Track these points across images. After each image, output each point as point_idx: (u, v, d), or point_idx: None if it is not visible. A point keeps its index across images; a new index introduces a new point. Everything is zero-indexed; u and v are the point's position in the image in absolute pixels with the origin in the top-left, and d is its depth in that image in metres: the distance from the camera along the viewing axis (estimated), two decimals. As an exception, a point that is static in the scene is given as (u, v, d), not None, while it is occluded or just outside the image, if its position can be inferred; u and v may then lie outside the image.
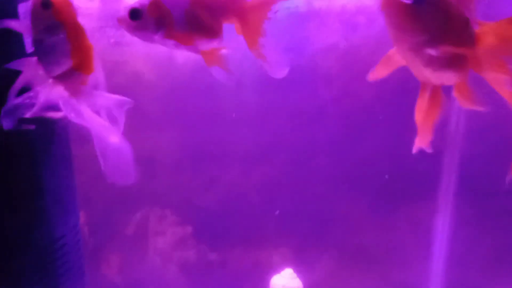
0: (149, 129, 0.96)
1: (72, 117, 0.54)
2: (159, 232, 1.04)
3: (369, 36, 0.89)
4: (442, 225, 1.02)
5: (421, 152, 0.96)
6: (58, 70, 0.55)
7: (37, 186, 0.60)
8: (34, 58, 0.55)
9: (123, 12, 0.53)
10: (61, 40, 0.54)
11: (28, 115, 0.56)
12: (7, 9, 0.54)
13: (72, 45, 0.55)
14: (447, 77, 0.54)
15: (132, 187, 0.96)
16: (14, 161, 0.58)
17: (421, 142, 0.61)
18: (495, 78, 0.52)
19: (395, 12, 0.48)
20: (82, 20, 0.71)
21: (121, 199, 0.98)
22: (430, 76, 0.54)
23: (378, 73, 0.57)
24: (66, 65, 0.55)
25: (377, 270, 1.04)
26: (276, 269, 1.03)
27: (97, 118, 0.56)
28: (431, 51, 0.50)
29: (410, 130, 0.94)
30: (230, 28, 0.54)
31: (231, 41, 0.55)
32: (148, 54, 0.77)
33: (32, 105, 0.54)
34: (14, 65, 0.54)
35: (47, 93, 0.55)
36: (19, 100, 0.55)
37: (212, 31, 0.56)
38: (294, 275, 1.02)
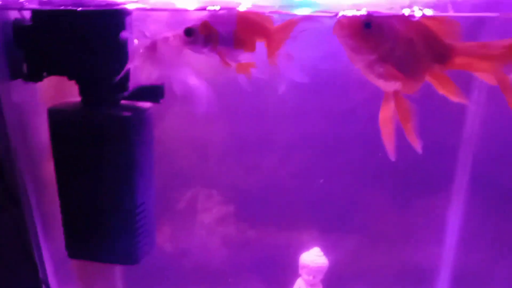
0: (203, 122, 1.04)
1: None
2: (205, 209, 1.13)
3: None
4: (455, 214, 1.08)
5: (440, 149, 1.06)
6: None
7: (128, 162, 0.70)
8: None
9: (180, 30, 0.68)
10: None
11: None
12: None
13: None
14: (403, 87, 0.64)
15: (185, 169, 1.09)
16: (112, 140, 0.69)
17: (389, 147, 0.70)
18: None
19: (348, 36, 0.58)
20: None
21: (176, 179, 1.08)
22: (386, 86, 0.64)
23: (388, 141, 0.68)
24: None
25: (394, 251, 1.11)
26: (305, 247, 1.10)
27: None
28: (379, 69, 0.60)
29: (428, 128, 1.04)
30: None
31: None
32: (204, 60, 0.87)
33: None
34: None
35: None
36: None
37: (247, 48, 0.70)
38: (321, 253, 1.08)
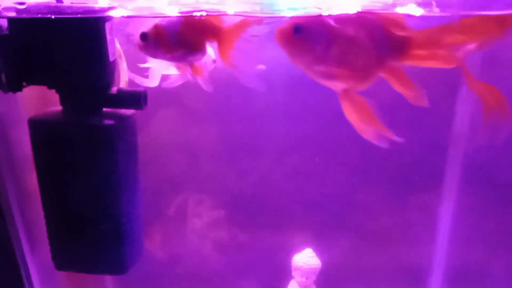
0: (193, 125, 1.05)
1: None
2: (196, 214, 1.13)
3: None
4: (446, 211, 1.09)
5: (430, 146, 1.06)
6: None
7: (112, 171, 0.69)
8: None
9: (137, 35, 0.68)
10: None
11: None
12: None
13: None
14: (354, 84, 0.65)
15: (175, 175, 1.08)
16: (95, 149, 0.68)
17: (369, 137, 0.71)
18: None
19: (284, 42, 0.61)
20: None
21: (165, 185, 1.08)
22: (333, 85, 0.65)
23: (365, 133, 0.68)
24: None
25: (388, 250, 1.12)
26: (297, 248, 1.11)
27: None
28: (319, 69, 0.62)
29: (417, 129, 1.03)
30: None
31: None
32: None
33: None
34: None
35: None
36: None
37: (196, 49, 0.70)
38: (314, 254, 1.09)
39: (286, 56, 0.64)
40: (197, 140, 1.07)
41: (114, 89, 0.69)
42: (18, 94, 0.69)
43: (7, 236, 0.72)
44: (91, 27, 0.63)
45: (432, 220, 1.10)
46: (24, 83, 0.67)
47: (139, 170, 0.76)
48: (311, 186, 1.11)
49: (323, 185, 1.10)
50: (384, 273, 1.12)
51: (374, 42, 0.62)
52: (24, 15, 0.60)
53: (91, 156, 0.68)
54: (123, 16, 0.67)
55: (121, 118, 0.69)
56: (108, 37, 0.65)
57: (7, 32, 0.64)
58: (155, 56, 0.73)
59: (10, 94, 0.68)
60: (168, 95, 1.00)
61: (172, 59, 0.73)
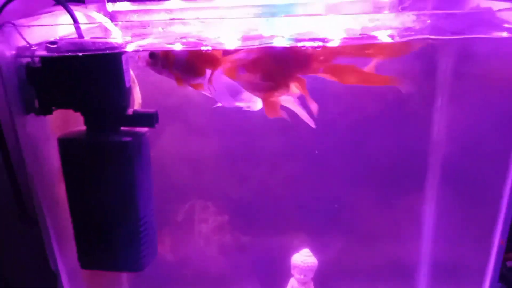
0: (196, 139, 1.12)
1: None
2: (202, 220, 1.19)
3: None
4: (429, 210, 1.16)
5: (412, 152, 1.14)
6: None
7: (130, 181, 0.79)
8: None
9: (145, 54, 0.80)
10: None
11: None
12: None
13: None
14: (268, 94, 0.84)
15: (181, 184, 1.16)
16: (115, 163, 0.78)
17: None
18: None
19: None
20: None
21: (173, 193, 1.14)
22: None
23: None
24: None
25: (378, 248, 1.18)
26: (296, 249, 1.17)
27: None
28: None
29: (404, 136, 1.11)
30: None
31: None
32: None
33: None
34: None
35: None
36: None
37: (198, 73, 0.83)
38: (310, 253, 1.15)
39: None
40: (199, 153, 1.14)
41: (130, 111, 0.80)
42: (47, 116, 0.80)
43: (41, 241, 0.82)
44: (111, 60, 0.74)
45: (417, 219, 1.16)
46: (53, 107, 0.79)
47: (152, 181, 0.87)
48: (305, 191, 1.17)
49: (316, 190, 1.16)
50: (374, 268, 1.18)
51: (283, 63, 0.79)
52: (55, 54, 0.71)
53: (112, 168, 0.78)
54: (135, 50, 0.78)
55: (136, 135, 0.79)
56: (124, 67, 0.76)
57: (39, 65, 0.75)
58: (160, 73, 0.84)
59: (41, 117, 0.79)
60: (172, 113, 1.10)
61: (175, 78, 0.85)
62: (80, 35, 0.78)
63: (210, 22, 0.77)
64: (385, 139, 1.11)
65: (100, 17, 0.90)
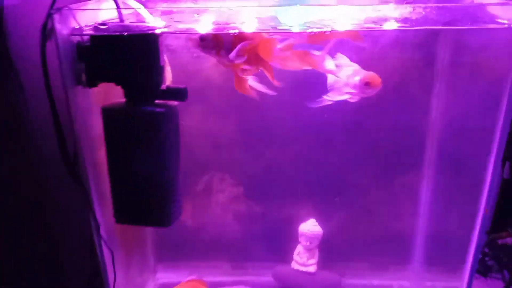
0: (217, 118, 1.22)
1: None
2: (219, 190, 1.29)
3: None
4: (426, 187, 1.24)
5: (411, 133, 1.23)
6: None
7: (162, 146, 0.89)
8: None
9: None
10: None
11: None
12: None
13: None
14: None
15: (202, 157, 1.27)
16: (150, 130, 0.88)
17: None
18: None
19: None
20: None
21: (195, 165, 1.24)
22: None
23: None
24: None
25: (377, 221, 1.28)
26: (303, 219, 1.29)
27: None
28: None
29: (404, 119, 1.20)
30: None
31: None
32: (217, 64, 1.04)
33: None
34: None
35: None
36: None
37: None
38: (316, 223, 1.28)
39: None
40: (220, 130, 1.24)
41: (163, 86, 0.92)
42: (92, 89, 0.93)
43: (88, 201, 0.95)
44: (150, 42, 0.86)
45: (414, 195, 1.25)
46: (98, 81, 0.91)
47: (180, 148, 0.98)
48: (313, 168, 1.26)
49: (323, 168, 1.25)
50: (374, 239, 1.28)
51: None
52: (104, 33, 0.84)
53: (147, 134, 0.90)
54: (170, 32, 0.90)
55: (169, 107, 0.91)
56: (160, 48, 0.89)
57: (89, 43, 0.87)
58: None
59: (87, 89, 0.92)
60: (197, 94, 1.21)
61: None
62: (121, 19, 0.90)
63: (237, 10, 0.89)
64: (387, 121, 1.21)
65: (135, 4, 1.02)
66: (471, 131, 1.09)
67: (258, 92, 1.04)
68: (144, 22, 0.89)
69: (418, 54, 1.13)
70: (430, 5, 0.81)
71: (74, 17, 0.85)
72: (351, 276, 1.33)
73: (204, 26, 0.87)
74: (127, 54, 0.86)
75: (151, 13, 0.90)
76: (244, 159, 1.27)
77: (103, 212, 0.99)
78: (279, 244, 1.31)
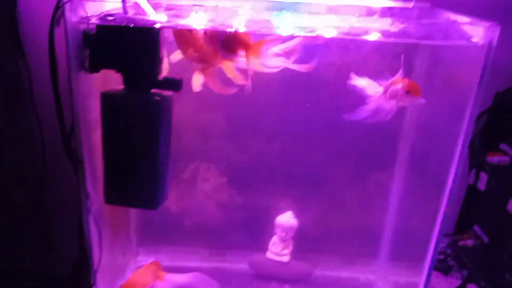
0: (205, 110, 1.26)
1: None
2: (205, 179, 1.34)
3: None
4: (397, 186, 1.32)
5: (385, 136, 1.30)
6: None
7: (155, 132, 0.95)
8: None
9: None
10: None
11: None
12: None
13: None
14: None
15: (189, 147, 1.33)
16: (146, 117, 0.94)
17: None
18: None
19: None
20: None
21: (182, 154, 1.28)
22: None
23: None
24: None
25: (350, 215, 1.35)
26: (281, 211, 1.35)
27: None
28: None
29: (380, 122, 1.27)
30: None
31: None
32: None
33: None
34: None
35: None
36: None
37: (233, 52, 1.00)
38: (293, 215, 1.34)
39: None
40: (208, 122, 1.27)
41: (160, 77, 0.98)
42: (93, 75, 0.98)
43: (82, 179, 1.00)
44: (152, 34, 0.92)
45: (385, 192, 1.32)
46: (100, 68, 0.97)
47: (171, 135, 1.04)
48: (293, 162, 1.30)
49: (302, 163, 1.32)
50: (346, 233, 1.35)
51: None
52: (111, 23, 0.90)
53: (142, 121, 0.96)
54: (170, 27, 0.97)
55: (164, 97, 0.97)
56: (161, 41, 0.95)
57: (94, 32, 0.93)
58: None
59: (88, 74, 0.97)
60: (188, 87, 1.27)
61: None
62: (126, 11, 0.96)
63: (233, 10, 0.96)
64: (365, 124, 1.27)
65: (139, -1, 1.08)
66: (440, 136, 1.16)
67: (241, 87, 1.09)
68: (146, 15, 0.95)
69: (397, 63, 1.21)
70: (406, 20, 0.90)
71: (83, 7, 0.90)
72: (322, 267, 1.40)
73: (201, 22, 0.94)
74: (130, 44, 0.92)
75: (154, 8, 0.97)
76: (229, 151, 1.32)
77: (94, 191, 1.05)
78: (257, 233, 1.36)
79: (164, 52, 1.01)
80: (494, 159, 1.30)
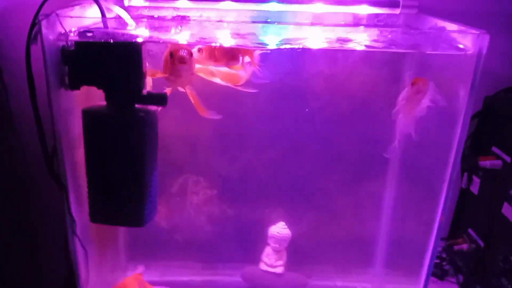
0: (194, 122, 1.22)
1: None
2: (194, 192, 1.32)
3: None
4: (389, 195, 1.32)
5: (377, 145, 1.30)
6: None
7: (141, 149, 0.93)
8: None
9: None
10: None
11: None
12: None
13: None
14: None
15: (178, 160, 1.31)
16: (130, 133, 0.91)
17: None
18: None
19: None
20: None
21: (170, 168, 1.26)
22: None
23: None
24: None
25: (343, 225, 1.34)
26: (273, 221, 1.34)
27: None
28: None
29: (372, 131, 1.28)
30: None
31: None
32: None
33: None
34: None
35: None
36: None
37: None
38: (285, 226, 1.33)
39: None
40: (196, 134, 1.25)
41: (144, 91, 0.96)
42: (74, 92, 0.95)
43: (66, 198, 0.97)
44: (133, 49, 0.90)
45: (378, 202, 1.32)
46: (81, 84, 0.94)
47: (157, 151, 1.01)
48: (284, 173, 1.31)
49: (294, 173, 1.31)
50: (339, 242, 1.34)
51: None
52: (90, 39, 0.87)
53: (126, 137, 0.93)
54: (153, 42, 0.94)
55: (148, 112, 0.94)
56: (143, 55, 0.93)
57: (73, 48, 0.91)
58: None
59: (69, 91, 0.95)
60: (175, 99, 1.25)
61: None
62: (106, 26, 0.94)
63: (220, 24, 0.94)
64: (355, 133, 1.29)
65: (120, 11, 1.06)
66: (431, 144, 1.15)
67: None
68: (127, 29, 0.92)
69: (385, 71, 1.20)
70: (394, 29, 0.89)
71: (61, 23, 0.88)
72: (317, 277, 1.38)
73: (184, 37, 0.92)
74: (110, 60, 0.90)
75: (135, 21, 0.94)
76: (218, 163, 1.30)
77: (79, 210, 1.02)
78: (249, 245, 1.35)
79: (147, 66, 0.99)
80: (486, 163, 1.29)
